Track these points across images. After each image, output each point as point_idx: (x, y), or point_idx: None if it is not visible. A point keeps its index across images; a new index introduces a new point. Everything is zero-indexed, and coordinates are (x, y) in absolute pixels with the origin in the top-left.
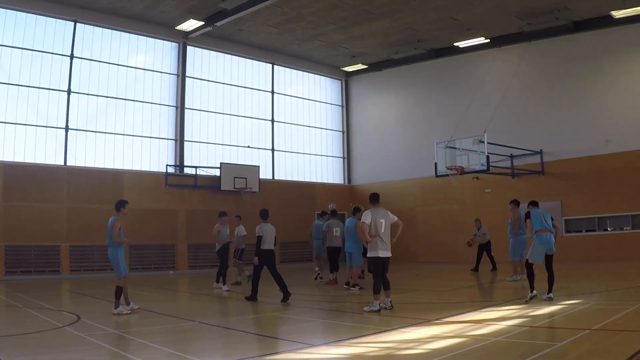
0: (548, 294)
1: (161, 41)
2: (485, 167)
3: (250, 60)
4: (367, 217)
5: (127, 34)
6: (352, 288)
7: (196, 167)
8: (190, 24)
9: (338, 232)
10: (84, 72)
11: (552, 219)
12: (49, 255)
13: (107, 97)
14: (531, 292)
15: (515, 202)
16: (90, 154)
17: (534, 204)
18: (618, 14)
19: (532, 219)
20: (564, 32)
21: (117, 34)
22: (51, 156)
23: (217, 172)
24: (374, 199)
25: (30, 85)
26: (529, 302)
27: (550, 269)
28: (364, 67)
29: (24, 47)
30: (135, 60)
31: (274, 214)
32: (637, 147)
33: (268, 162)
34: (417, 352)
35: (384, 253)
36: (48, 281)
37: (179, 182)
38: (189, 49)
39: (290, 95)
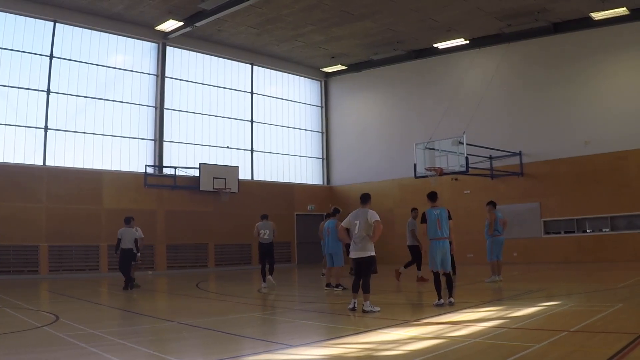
0: (449, 298)
1: (140, 41)
2: (464, 169)
3: (230, 61)
4: (346, 220)
5: (107, 34)
6: (335, 288)
7: (175, 168)
8: (170, 25)
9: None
10: (64, 72)
11: (450, 218)
12: (28, 255)
13: (86, 97)
14: (439, 299)
15: (492, 204)
16: (70, 154)
17: (431, 198)
18: (597, 15)
19: (428, 223)
20: (544, 33)
21: (96, 34)
22: (30, 156)
23: (196, 173)
24: (361, 199)
25: (10, 85)
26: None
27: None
28: (344, 68)
29: (3, 47)
30: (115, 60)
31: (253, 214)
32: (616, 149)
33: (247, 162)
34: (396, 353)
35: (355, 254)
36: (27, 281)
37: (158, 182)
38: (169, 49)
39: (270, 96)
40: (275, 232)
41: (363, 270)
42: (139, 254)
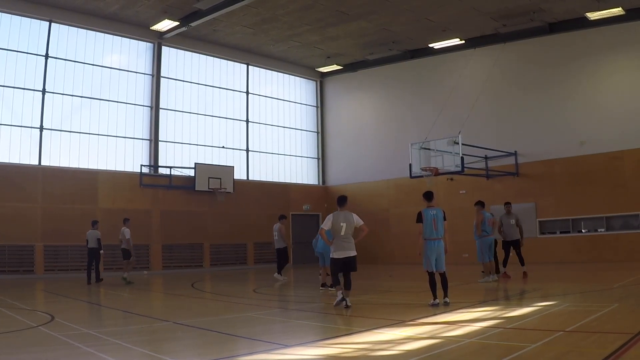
0: (445, 298)
1: (136, 41)
2: (459, 168)
3: (225, 61)
4: (327, 222)
5: (102, 34)
6: (330, 288)
7: (171, 168)
8: (165, 24)
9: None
10: (59, 72)
11: (445, 219)
12: (24, 255)
13: (82, 97)
14: (434, 299)
15: (480, 204)
16: (65, 154)
17: (427, 197)
18: (593, 15)
19: (424, 223)
20: (539, 33)
21: (92, 33)
22: (25, 156)
23: (191, 173)
24: (340, 202)
25: (5, 84)
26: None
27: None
28: (339, 67)
29: None
30: (110, 60)
31: (249, 214)
32: (611, 149)
33: (242, 162)
34: (392, 353)
35: (343, 253)
36: (22, 281)
37: (153, 182)
38: (164, 49)
39: (265, 96)
40: (282, 234)
41: (348, 269)
42: (132, 258)
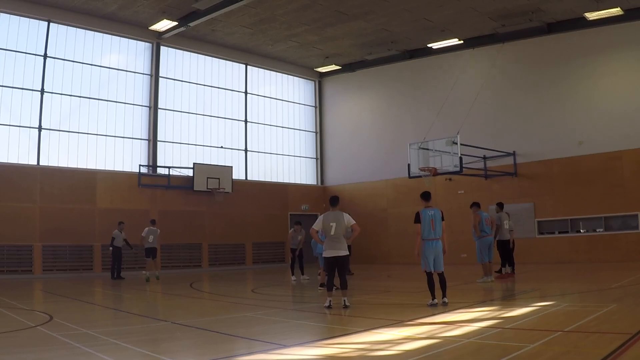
0: (443, 298)
1: (134, 41)
2: (458, 169)
3: (224, 61)
4: (317, 222)
5: (101, 34)
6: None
7: (169, 168)
8: (164, 24)
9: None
10: (58, 72)
11: (443, 219)
12: (22, 255)
13: (80, 97)
14: (432, 299)
15: (476, 205)
16: (64, 153)
17: (425, 197)
18: (591, 15)
19: (422, 223)
20: (538, 33)
21: (90, 33)
22: (24, 156)
23: (190, 173)
24: (332, 202)
25: (3, 84)
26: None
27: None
28: (338, 68)
29: None
30: (109, 60)
31: (247, 214)
32: (609, 149)
33: (241, 162)
34: (390, 353)
35: (333, 252)
36: (20, 281)
37: (152, 182)
38: (163, 49)
39: (264, 96)
40: (289, 237)
41: (339, 269)
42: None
